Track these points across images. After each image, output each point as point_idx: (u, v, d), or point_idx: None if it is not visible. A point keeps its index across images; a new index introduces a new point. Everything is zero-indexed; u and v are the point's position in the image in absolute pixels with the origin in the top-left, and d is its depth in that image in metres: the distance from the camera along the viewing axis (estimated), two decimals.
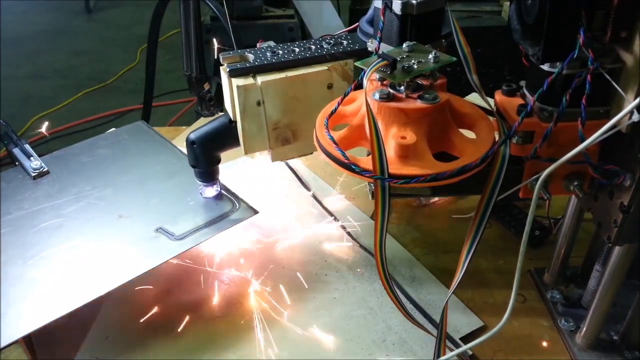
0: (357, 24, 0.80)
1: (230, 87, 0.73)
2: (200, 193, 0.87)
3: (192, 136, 0.79)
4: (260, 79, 0.72)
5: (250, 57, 0.74)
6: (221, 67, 0.74)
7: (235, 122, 0.76)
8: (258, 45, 0.77)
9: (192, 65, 1.44)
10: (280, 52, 0.75)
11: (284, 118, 0.75)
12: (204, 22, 1.85)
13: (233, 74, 0.72)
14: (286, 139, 0.77)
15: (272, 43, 0.78)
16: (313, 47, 0.76)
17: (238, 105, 0.72)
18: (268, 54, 0.74)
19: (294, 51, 0.75)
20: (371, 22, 0.76)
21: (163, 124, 2.53)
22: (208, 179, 0.85)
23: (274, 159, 0.80)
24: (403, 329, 0.77)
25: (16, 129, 1.02)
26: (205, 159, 0.81)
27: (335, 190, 1.05)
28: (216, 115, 0.80)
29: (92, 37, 3.87)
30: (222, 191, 0.88)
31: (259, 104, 0.73)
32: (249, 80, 0.72)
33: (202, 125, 0.79)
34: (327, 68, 0.74)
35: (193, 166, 0.82)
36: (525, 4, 0.57)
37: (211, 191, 0.87)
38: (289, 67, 0.74)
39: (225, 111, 0.78)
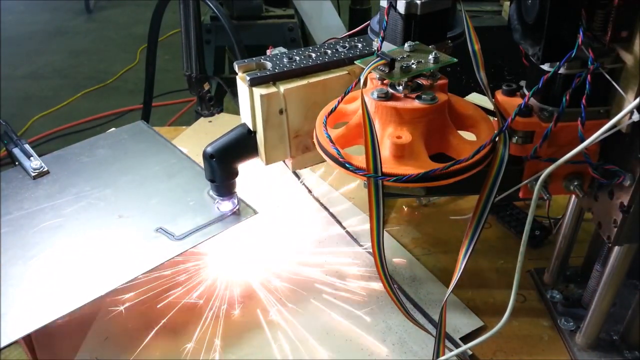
0: (364, 25, 0.79)
1: (250, 96, 0.71)
2: (217, 208, 0.84)
3: (210, 149, 0.75)
4: (282, 87, 0.70)
5: (268, 64, 0.72)
6: (238, 77, 0.71)
7: (255, 132, 0.74)
8: (269, 52, 0.76)
9: (192, 65, 1.44)
10: (297, 58, 0.73)
11: (305, 125, 0.74)
12: (204, 22, 1.86)
13: (254, 82, 0.70)
14: (306, 147, 0.76)
15: (282, 49, 0.76)
16: (329, 51, 0.75)
17: (260, 115, 0.70)
18: (285, 60, 0.73)
19: (310, 56, 0.74)
20: None
21: (163, 124, 2.53)
22: (226, 193, 0.82)
23: (294, 168, 0.78)
24: (403, 329, 0.77)
25: (16, 129, 1.02)
26: (223, 173, 0.78)
27: (335, 190, 1.05)
28: (232, 127, 0.77)
29: (92, 37, 3.88)
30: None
31: (281, 112, 0.71)
32: (271, 89, 0.70)
33: (219, 138, 0.76)
34: (347, 72, 0.73)
35: (211, 180, 0.79)
36: (526, 4, 0.57)
37: (228, 205, 0.84)
38: (308, 73, 0.72)
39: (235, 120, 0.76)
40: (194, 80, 1.44)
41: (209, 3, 1.42)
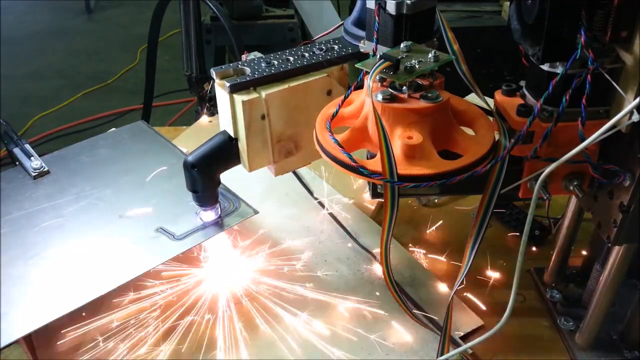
0: (337, 26, 0.79)
1: (231, 103, 0.70)
2: (200, 218, 0.82)
3: (191, 159, 0.73)
4: (264, 92, 0.69)
5: (247, 69, 0.71)
6: (216, 83, 0.70)
7: (237, 139, 0.73)
8: (244, 57, 0.75)
9: (192, 65, 1.44)
10: (276, 62, 0.72)
11: (287, 129, 0.74)
12: (204, 22, 1.86)
13: (234, 89, 0.69)
14: (289, 151, 0.76)
15: (258, 54, 0.75)
16: (306, 54, 0.74)
17: (242, 122, 0.70)
18: (263, 64, 0.72)
19: (288, 60, 0.73)
20: (357, 24, 0.75)
21: (163, 124, 2.53)
22: (208, 203, 0.80)
23: (277, 173, 0.77)
24: (404, 328, 0.77)
25: (16, 129, 1.02)
26: (205, 182, 0.76)
27: (334, 190, 1.05)
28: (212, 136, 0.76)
29: (92, 37, 3.88)
30: (222, 190, 0.87)
31: (263, 117, 0.70)
32: (253, 95, 0.69)
33: (199, 147, 0.74)
34: (326, 74, 0.73)
35: (193, 191, 0.77)
36: (526, 4, 0.57)
37: (210, 215, 0.82)
38: (288, 77, 0.72)
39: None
40: (194, 80, 1.44)
41: (209, 3, 1.42)
